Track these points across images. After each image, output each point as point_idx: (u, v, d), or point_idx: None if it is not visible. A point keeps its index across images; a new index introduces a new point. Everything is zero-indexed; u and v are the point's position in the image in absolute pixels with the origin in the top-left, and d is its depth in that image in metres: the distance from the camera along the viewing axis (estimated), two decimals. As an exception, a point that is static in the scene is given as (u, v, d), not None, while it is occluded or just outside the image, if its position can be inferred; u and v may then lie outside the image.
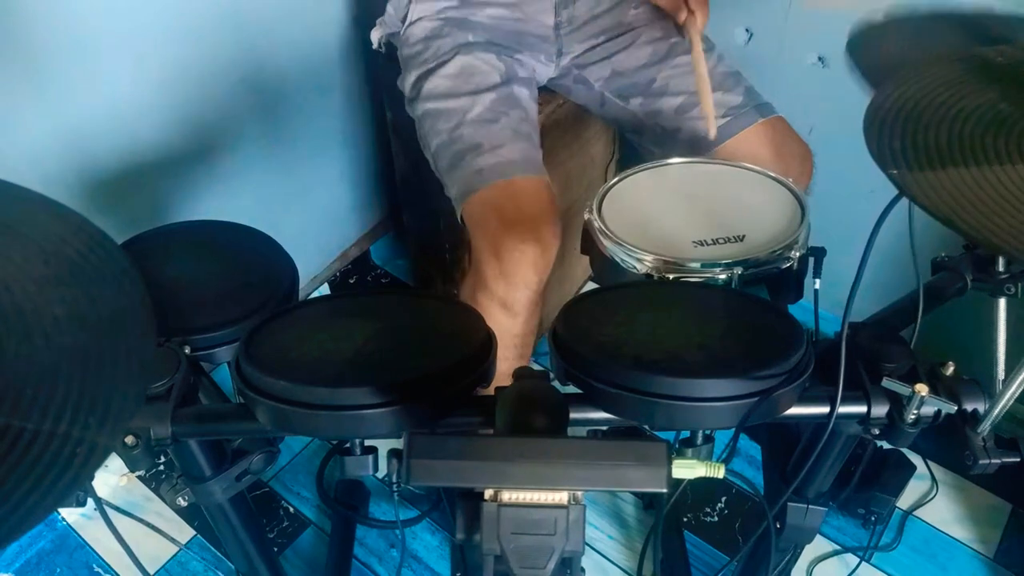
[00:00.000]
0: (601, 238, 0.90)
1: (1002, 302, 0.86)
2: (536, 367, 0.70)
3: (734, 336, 0.71)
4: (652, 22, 1.29)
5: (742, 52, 1.48)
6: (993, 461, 0.68)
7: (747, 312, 0.77)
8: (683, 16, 1.19)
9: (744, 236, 0.89)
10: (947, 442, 0.70)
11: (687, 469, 0.59)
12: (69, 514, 1.43)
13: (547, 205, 1.13)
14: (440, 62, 1.22)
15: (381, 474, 0.74)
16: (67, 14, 1.10)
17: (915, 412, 0.68)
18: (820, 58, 1.42)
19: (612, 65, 1.28)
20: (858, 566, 1.35)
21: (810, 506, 0.88)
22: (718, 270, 0.84)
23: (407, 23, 1.28)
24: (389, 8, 1.30)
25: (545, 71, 1.31)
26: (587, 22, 1.30)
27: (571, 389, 0.68)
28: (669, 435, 0.77)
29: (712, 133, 1.15)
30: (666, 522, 1.37)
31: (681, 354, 0.67)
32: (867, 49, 0.84)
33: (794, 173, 1.13)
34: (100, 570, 1.37)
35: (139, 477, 0.77)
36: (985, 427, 0.68)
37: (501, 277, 1.11)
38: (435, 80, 1.22)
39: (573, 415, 0.67)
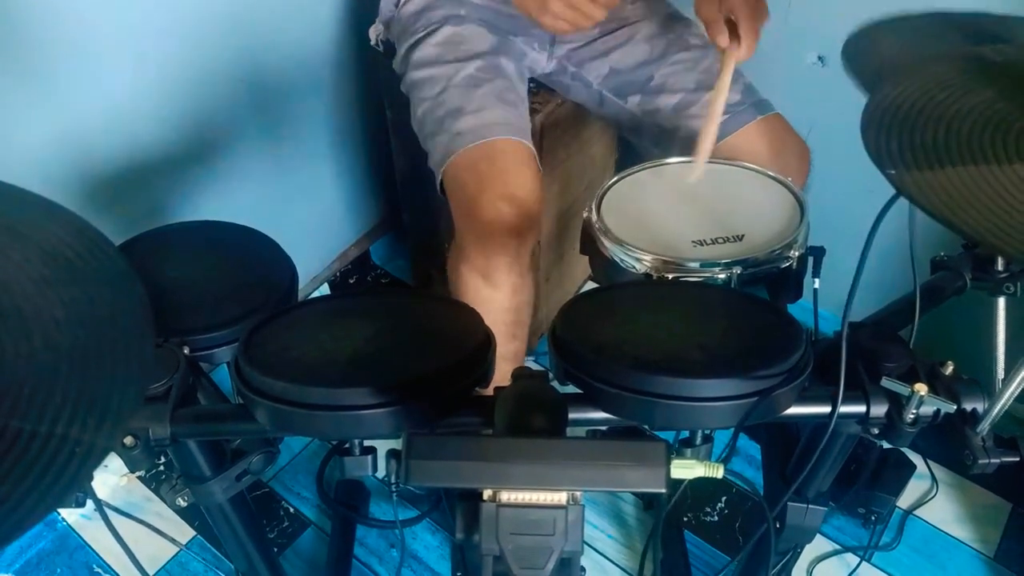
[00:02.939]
0: (601, 238, 0.90)
1: (1002, 301, 0.86)
2: (536, 367, 0.70)
3: (734, 336, 0.71)
4: (649, 17, 1.29)
5: (742, 52, 1.48)
6: (992, 461, 0.68)
7: (747, 312, 0.77)
8: (725, 42, 1.01)
9: (743, 236, 0.89)
10: (947, 441, 0.70)
11: (686, 469, 0.59)
12: (69, 514, 1.43)
13: (527, 166, 1.11)
14: (429, 31, 1.22)
15: (380, 474, 0.74)
16: (67, 14, 1.10)
17: (914, 412, 0.68)
18: (820, 57, 1.42)
19: (610, 62, 1.28)
20: (858, 566, 1.35)
21: (810, 506, 0.88)
22: (717, 270, 0.84)
23: (400, 4, 1.29)
24: None
25: (539, 59, 1.31)
26: None
27: (570, 389, 0.68)
28: (668, 435, 0.77)
29: (697, 173, 1.01)
30: (666, 522, 1.37)
31: (681, 354, 0.67)
32: (864, 51, 0.84)
33: (792, 170, 1.12)
34: (100, 570, 1.37)
35: (139, 477, 0.77)
36: (984, 427, 0.68)
37: (477, 242, 1.09)
38: (423, 48, 1.22)
39: (572, 415, 0.67)
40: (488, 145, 1.11)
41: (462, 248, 1.12)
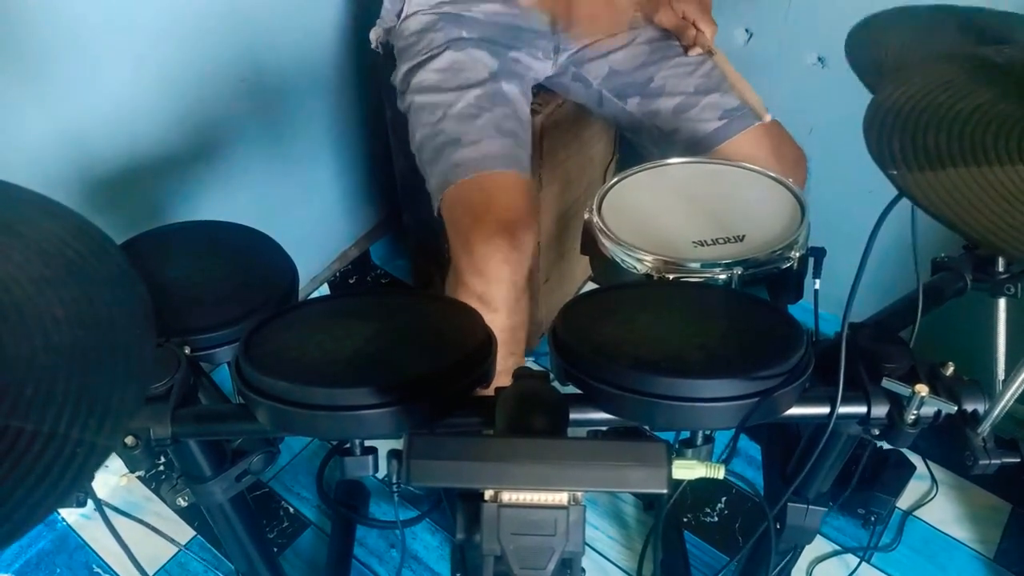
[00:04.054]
0: (601, 238, 0.90)
1: (1002, 302, 0.86)
2: (536, 367, 0.70)
3: (734, 336, 0.71)
4: (650, 21, 1.30)
5: (742, 52, 1.48)
6: (993, 461, 0.68)
7: (747, 312, 0.77)
8: (692, 34, 1.24)
9: (744, 236, 0.89)
10: (947, 442, 0.70)
11: (687, 470, 0.59)
12: (69, 514, 1.43)
13: (522, 200, 1.13)
14: (431, 55, 1.23)
15: (381, 474, 0.74)
16: (67, 14, 1.10)
17: (915, 412, 0.68)
18: (820, 58, 1.42)
19: (610, 63, 1.29)
20: (858, 566, 1.35)
21: (810, 506, 0.88)
22: (718, 270, 0.84)
23: (402, 17, 1.28)
24: (386, 3, 1.31)
25: (543, 68, 1.31)
26: None
27: (571, 389, 0.68)
28: (669, 435, 0.77)
29: (766, 118, 1.21)
30: (666, 522, 1.37)
31: (681, 354, 0.67)
32: (866, 50, 0.84)
33: (789, 177, 1.12)
34: (100, 570, 1.37)
35: (139, 477, 0.76)
36: (985, 427, 0.68)
37: (474, 273, 1.10)
38: (424, 73, 1.22)
39: (573, 415, 0.67)
40: (484, 177, 1.12)
41: (459, 274, 1.13)
